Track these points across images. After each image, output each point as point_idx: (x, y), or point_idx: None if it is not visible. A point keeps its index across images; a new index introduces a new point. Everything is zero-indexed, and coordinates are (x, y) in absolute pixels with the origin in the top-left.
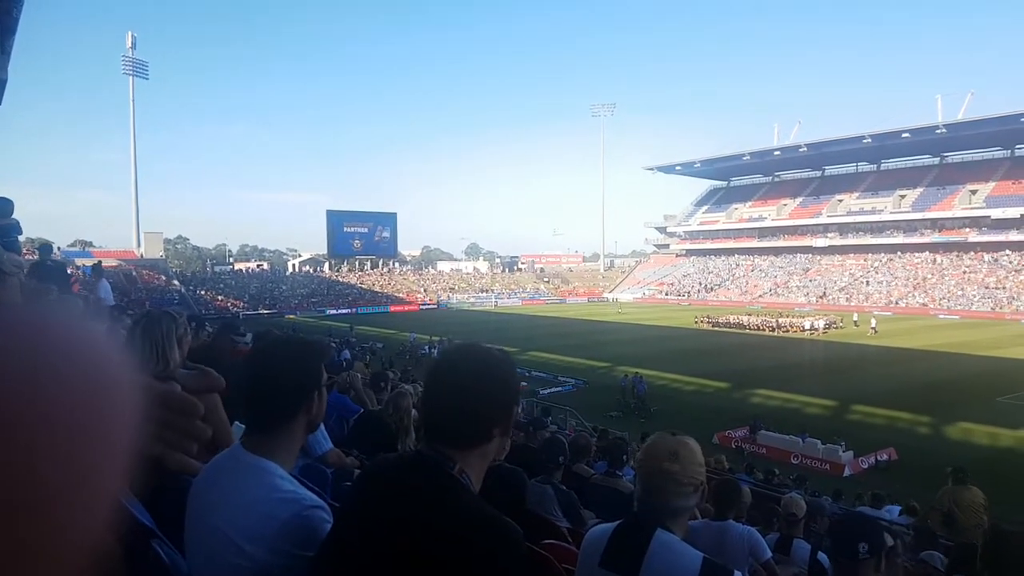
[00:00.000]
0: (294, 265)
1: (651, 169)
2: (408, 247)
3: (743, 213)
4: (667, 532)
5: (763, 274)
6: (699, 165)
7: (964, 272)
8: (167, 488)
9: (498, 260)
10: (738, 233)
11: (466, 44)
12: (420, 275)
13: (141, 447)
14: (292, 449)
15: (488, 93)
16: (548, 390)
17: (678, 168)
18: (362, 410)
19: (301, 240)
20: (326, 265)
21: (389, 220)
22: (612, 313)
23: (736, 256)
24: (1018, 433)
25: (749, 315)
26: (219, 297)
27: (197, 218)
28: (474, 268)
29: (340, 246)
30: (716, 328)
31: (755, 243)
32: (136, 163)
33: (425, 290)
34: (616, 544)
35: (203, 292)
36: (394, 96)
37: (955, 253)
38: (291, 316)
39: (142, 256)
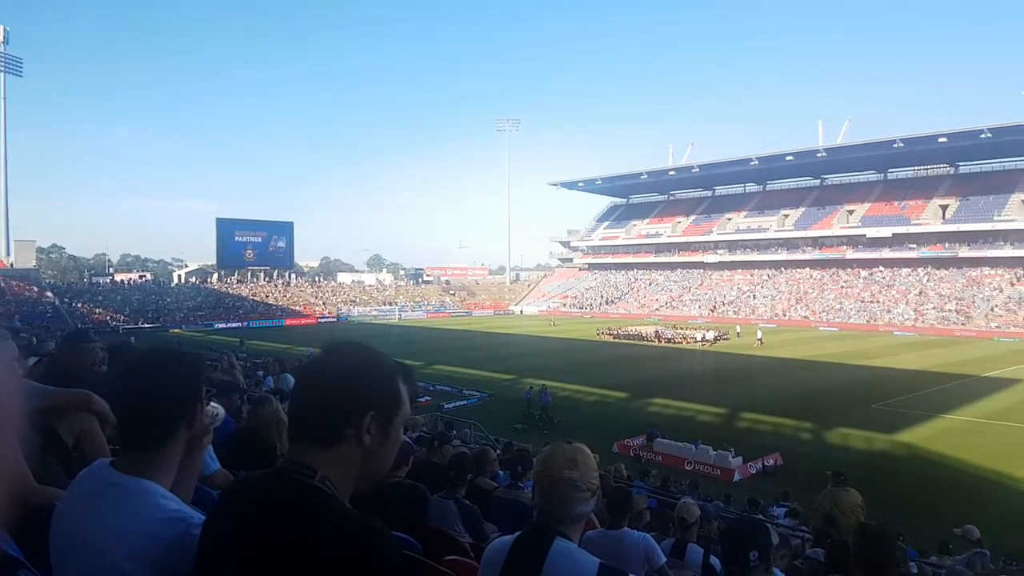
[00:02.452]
0: (180, 276)
1: (555, 185)
2: (306, 258)
3: (641, 229)
4: (565, 540)
5: (660, 288)
6: (600, 182)
7: (842, 287)
8: (33, 516)
9: (403, 272)
10: (637, 248)
11: (366, 53)
12: (318, 287)
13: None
14: (172, 467)
15: (392, 104)
16: (453, 404)
17: (580, 185)
18: (234, 426)
19: (188, 250)
20: (215, 276)
21: (285, 229)
22: (515, 325)
23: (635, 270)
24: (892, 437)
25: (651, 327)
26: (97, 310)
27: (75, 226)
28: (377, 280)
29: (231, 256)
30: (617, 340)
31: (652, 258)
32: (6, 165)
33: (324, 303)
34: (516, 555)
35: (79, 305)
36: (293, 102)
37: (834, 269)
38: (176, 330)
39: (12, 266)
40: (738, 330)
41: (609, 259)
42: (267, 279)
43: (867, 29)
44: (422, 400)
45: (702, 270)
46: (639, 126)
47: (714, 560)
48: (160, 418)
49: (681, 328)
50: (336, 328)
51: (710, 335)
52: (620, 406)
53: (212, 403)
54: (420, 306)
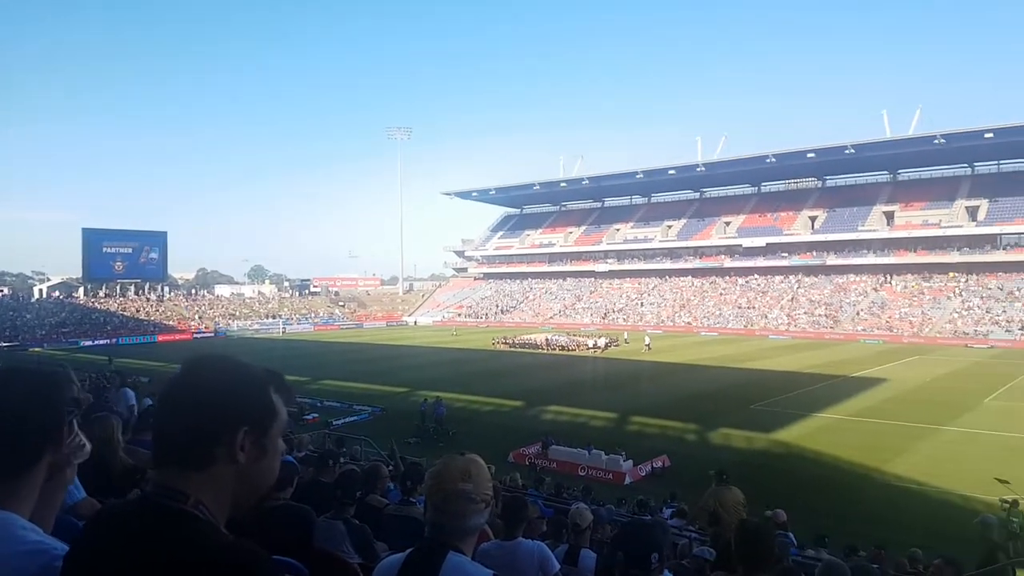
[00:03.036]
0: (41, 291)
1: (449, 194)
2: (181, 269)
3: (535, 239)
4: (458, 554)
5: (553, 296)
6: (494, 192)
7: (721, 294)
8: None
9: (287, 283)
10: (531, 258)
11: (250, 56)
12: (194, 300)
13: None
14: (32, 496)
15: (275, 111)
16: (342, 420)
17: (474, 195)
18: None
19: (50, 262)
20: (81, 290)
21: (158, 240)
22: (411, 336)
23: (529, 280)
24: (769, 436)
25: (545, 335)
26: None
27: None
28: (259, 292)
29: (98, 268)
30: (512, 349)
31: (546, 267)
32: None
33: (200, 317)
34: (408, 573)
35: None
36: (166, 107)
37: (713, 277)
38: (37, 349)
39: None
40: (626, 336)
41: (504, 268)
42: (138, 293)
43: (740, 48)
44: (309, 417)
45: (593, 279)
46: (532, 137)
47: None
48: (18, 443)
49: (574, 336)
50: (214, 343)
51: (601, 342)
52: (516, 415)
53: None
54: (307, 319)
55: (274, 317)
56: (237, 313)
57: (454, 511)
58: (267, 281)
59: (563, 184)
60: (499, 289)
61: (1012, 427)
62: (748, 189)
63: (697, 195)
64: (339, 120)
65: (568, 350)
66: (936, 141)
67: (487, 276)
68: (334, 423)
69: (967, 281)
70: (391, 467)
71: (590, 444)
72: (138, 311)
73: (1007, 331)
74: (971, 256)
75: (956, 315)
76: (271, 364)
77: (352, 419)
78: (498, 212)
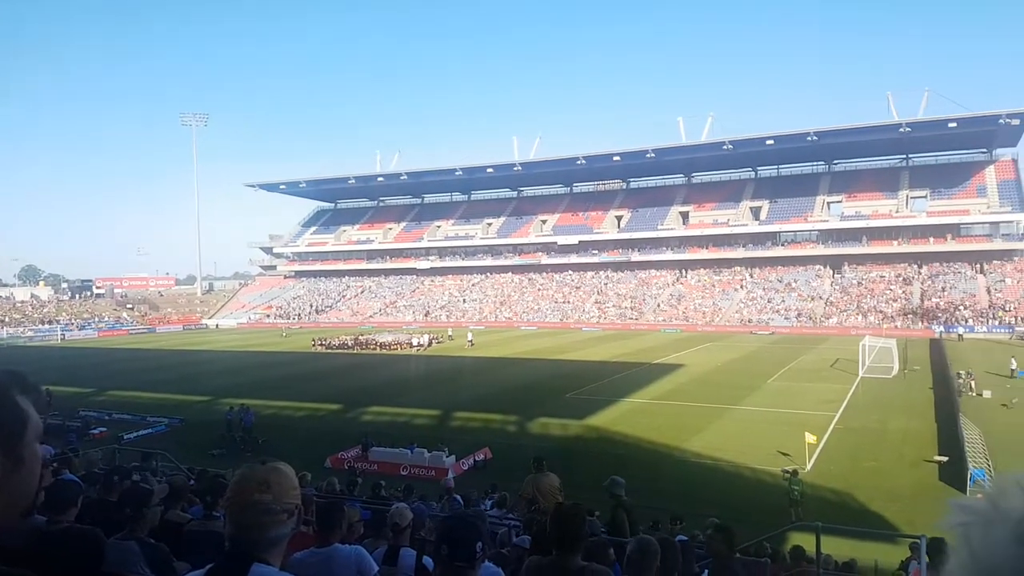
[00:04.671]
0: None
1: (253, 186)
2: None
3: (352, 235)
4: (264, 565)
5: (373, 295)
6: (305, 185)
7: (539, 289)
8: None
9: (65, 285)
10: (347, 255)
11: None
12: None
13: None
14: None
15: (43, 91)
16: (135, 433)
17: (283, 187)
18: None
19: None
20: None
21: None
22: (213, 341)
23: (347, 278)
24: (583, 422)
25: (366, 335)
26: None
27: None
28: (32, 295)
29: None
30: (330, 350)
31: (364, 265)
32: None
33: None
34: None
35: None
36: None
37: (531, 273)
38: None
39: None
40: (450, 333)
41: (318, 266)
42: None
43: (553, 52)
44: (95, 432)
45: (414, 276)
46: (344, 133)
47: (427, 560)
48: None
49: (396, 334)
50: None
51: (425, 339)
52: (333, 419)
53: None
54: (89, 324)
55: (51, 323)
56: (6, 319)
57: (252, 523)
58: (41, 283)
59: (380, 179)
60: (313, 288)
61: (791, 404)
62: (562, 189)
63: (515, 194)
64: (123, 104)
65: (390, 349)
66: (725, 147)
67: (299, 274)
68: (125, 437)
69: (751, 274)
70: (192, 482)
71: (413, 443)
72: None
73: (785, 318)
74: (755, 252)
75: (743, 305)
76: (46, 376)
77: (147, 432)
78: (310, 207)
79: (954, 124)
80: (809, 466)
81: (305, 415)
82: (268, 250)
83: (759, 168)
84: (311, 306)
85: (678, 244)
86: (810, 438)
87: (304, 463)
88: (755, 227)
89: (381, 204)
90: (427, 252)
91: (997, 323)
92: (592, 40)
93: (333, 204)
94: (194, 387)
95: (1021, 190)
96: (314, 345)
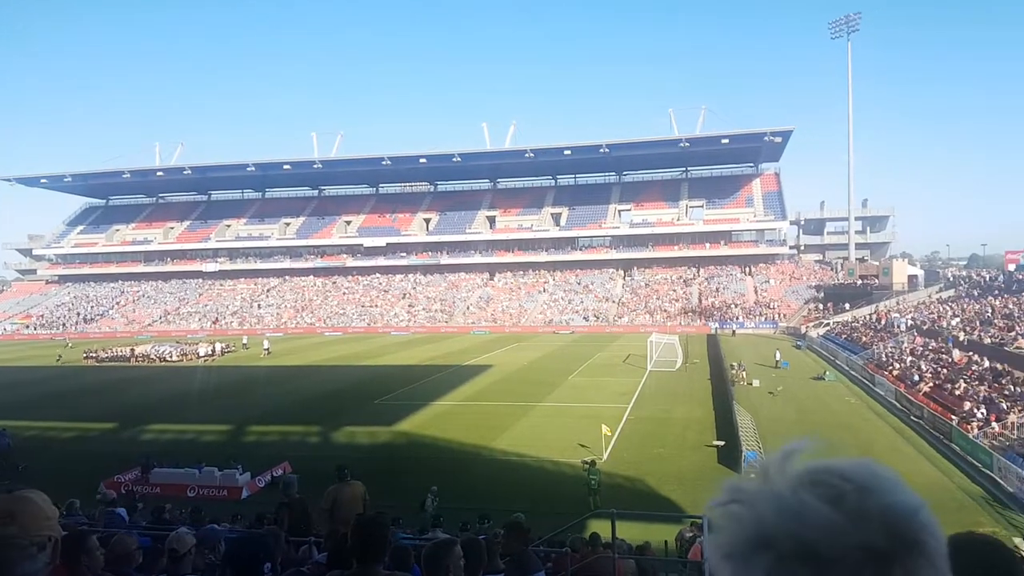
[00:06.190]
0: None
1: (9, 180)
2: None
3: (126, 235)
4: None
5: (152, 301)
6: (71, 179)
7: (344, 293)
8: None
9: None
10: (121, 257)
11: None
12: None
13: None
14: None
15: None
16: None
17: (44, 181)
18: None
19: None
20: None
21: None
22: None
23: (121, 282)
24: (392, 428)
25: (144, 345)
26: None
27: None
28: None
29: None
30: (103, 364)
31: (142, 268)
32: None
33: None
34: None
35: None
36: None
37: (336, 277)
38: None
39: None
40: (244, 341)
41: (86, 270)
42: None
43: (366, 55)
44: None
45: (200, 280)
46: (119, 124)
47: None
48: None
49: (181, 344)
50: None
51: (215, 348)
52: (107, 439)
53: None
54: None
55: None
56: None
57: None
58: None
59: (160, 173)
60: (81, 294)
61: (589, 398)
62: (367, 189)
63: (316, 193)
64: None
65: (173, 360)
66: (527, 155)
67: (64, 279)
68: None
69: (553, 277)
70: None
71: (201, 462)
72: None
73: (584, 319)
74: (556, 255)
75: (546, 306)
76: None
77: None
78: (77, 203)
79: (726, 140)
80: (606, 456)
81: (74, 435)
82: (27, 252)
83: (559, 176)
84: (78, 314)
85: (486, 247)
86: (606, 429)
87: (71, 490)
88: (556, 232)
89: (161, 201)
90: (215, 253)
91: (763, 319)
92: (401, 46)
93: (104, 201)
94: None
95: (782, 201)
96: (86, 358)
